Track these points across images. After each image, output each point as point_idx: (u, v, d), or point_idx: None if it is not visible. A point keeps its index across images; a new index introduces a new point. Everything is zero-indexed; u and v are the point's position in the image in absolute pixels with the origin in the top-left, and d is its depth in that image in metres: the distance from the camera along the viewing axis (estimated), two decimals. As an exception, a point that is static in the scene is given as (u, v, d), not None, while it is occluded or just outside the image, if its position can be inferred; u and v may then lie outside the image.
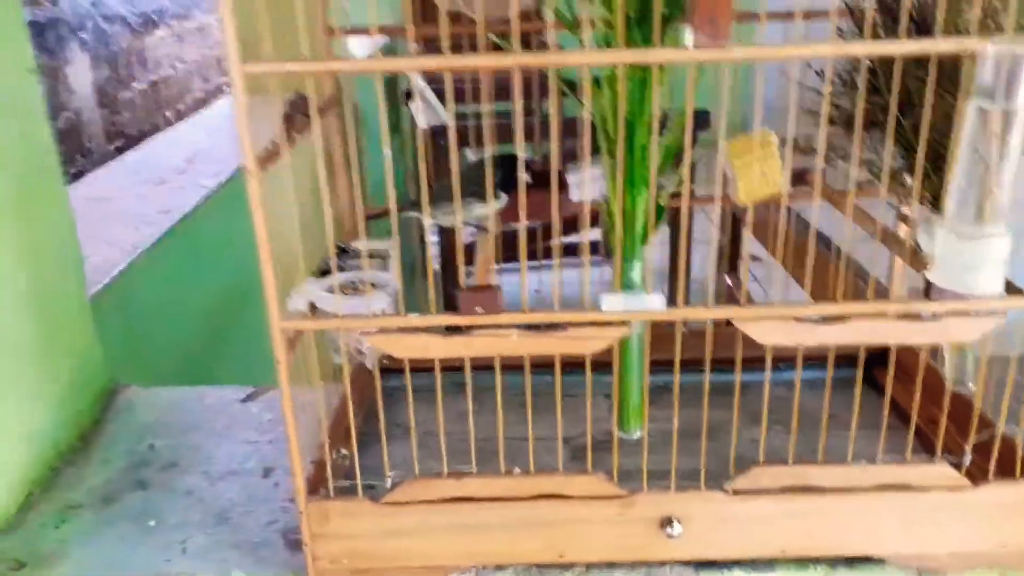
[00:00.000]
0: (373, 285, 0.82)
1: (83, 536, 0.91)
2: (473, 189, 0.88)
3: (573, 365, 1.15)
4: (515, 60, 0.61)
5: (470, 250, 1.27)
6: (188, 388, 1.23)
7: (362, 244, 0.96)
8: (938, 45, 0.62)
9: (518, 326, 0.70)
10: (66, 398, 1.08)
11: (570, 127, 0.72)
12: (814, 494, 0.77)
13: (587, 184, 0.75)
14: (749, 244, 1.69)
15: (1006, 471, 0.79)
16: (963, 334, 0.70)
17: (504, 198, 0.90)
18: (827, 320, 0.70)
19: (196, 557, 0.86)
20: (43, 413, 1.03)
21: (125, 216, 1.84)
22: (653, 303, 0.69)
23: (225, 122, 2.78)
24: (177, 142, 2.53)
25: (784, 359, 0.84)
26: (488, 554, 0.79)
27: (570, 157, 0.96)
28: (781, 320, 0.70)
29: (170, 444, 1.08)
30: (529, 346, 0.70)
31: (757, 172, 0.74)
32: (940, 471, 0.76)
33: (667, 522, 0.77)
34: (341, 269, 0.90)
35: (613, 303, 0.69)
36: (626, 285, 0.72)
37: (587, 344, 0.70)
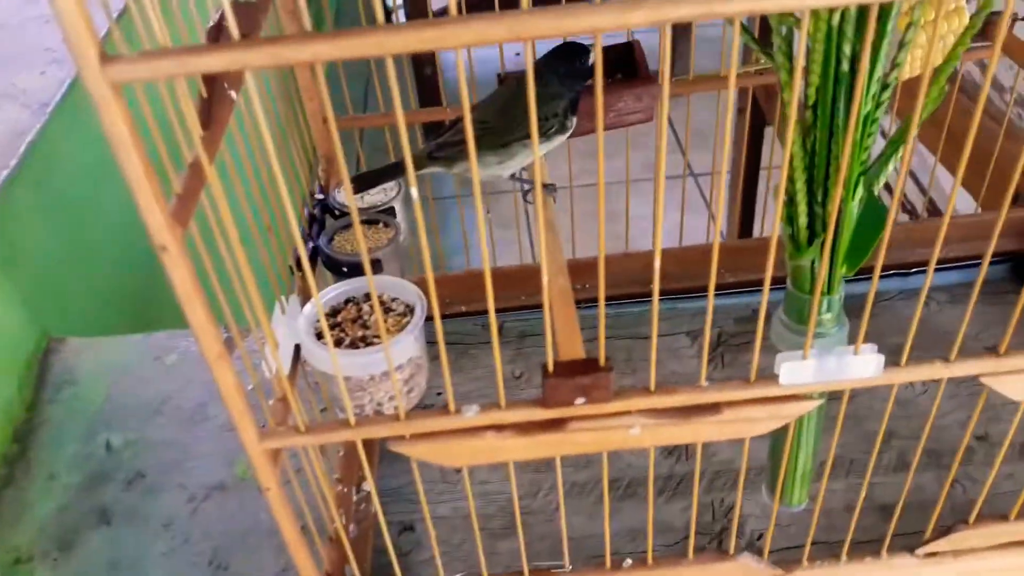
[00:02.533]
0: (383, 306, 0.54)
1: (41, 613, 0.70)
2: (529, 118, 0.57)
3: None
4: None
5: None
6: (140, 338, 0.97)
7: (348, 197, 0.66)
8: None
9: (643, 412, 0.44)
10: (-18, 392, 0.83)
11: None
12: (1035, 547, 0.55)
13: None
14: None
15: None
16: None
17: (573, 123, 0.59)
18: None
19: (194, 650, 0.66)
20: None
21: (22, 52, 1.42)
22: (863, 367, 0.42)
23: None
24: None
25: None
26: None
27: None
28: (1058, 370, 0.44)
29: (130, 439, 0.84)
30: (660, 438, 0.45)
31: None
32: None
33: (832, 596, 0.56)
34: (321, 260, 0.60)
35: (797, 372, 0.42)
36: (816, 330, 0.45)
37: (751, 427, 0.45)
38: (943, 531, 0.54)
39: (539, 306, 0.87)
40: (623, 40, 0.68)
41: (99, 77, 0.30)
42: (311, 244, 0.61)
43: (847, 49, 0.36)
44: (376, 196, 0.64)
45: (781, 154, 1.11)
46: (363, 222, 0.62)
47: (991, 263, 0.90)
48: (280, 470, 0.46)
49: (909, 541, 0.57)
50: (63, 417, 0.87)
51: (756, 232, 1.69)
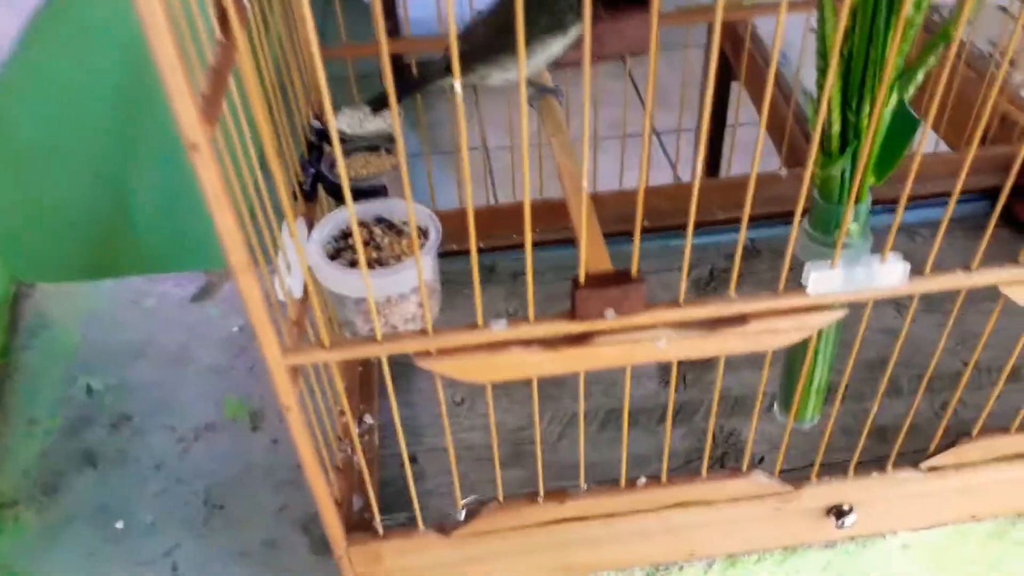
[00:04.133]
0: (394, 229, 0.52)
1: (31, 555, 0.68)
2: (549, 12, 0.55)
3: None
4: None
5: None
6: (112, 283, 0.94)
7: (348, 120, 0.64)
8: None
9: (671, 326, 0.44)
10: (-49, 337, 0.79)
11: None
12: (1030, 459, 0.57)
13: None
14: None
15: None
16: None
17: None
18: None
19: (195, 584, 0.65)
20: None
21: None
22: (890, 275, 0.43)
23: None
24: None
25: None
26: (594, 565, 0.60)
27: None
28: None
29: (112, 383, 0.81)
30: (685, 350, 0.45)
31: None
32: None
33: (837, 511, 0.57)
34: (326, 183, 0.59)
35: (825, 281, 0.42)
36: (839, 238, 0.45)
37: (775, 339, 0.45)
38: (946, 445, 0.56)
39: (535, 244, 0.87)
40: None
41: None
42: (312, 171, 0.59)
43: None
44: (376, 122, 0.63)
45: (748, 110, 1.08)
46: (365, 148, 0.60)
47: (973, 199, 0.92)
48: (298, 391, 0.45)
49: (905, 460, 0.59)
50: (39, 363, 0.84)
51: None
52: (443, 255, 0.88)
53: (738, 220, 0.83)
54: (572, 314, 0.43)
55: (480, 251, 0.89)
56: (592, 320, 0.43)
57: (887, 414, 0.70)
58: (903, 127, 0.42)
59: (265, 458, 0.73)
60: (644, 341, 0.44)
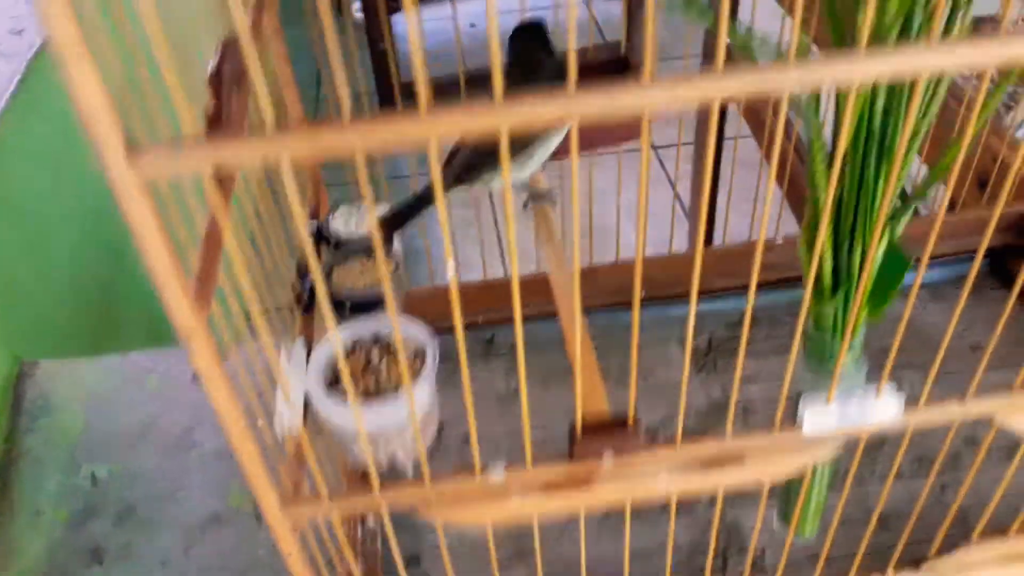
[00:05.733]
0: (391, 350, 0.53)
1: (37, 660, 0.68)
2: None
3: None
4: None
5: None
6: (116, 360, 0.94)
7: (343, 220, 0.64)
8: None
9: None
10: (-45, 429, 0.79)
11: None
12: (1033, 558, 0.57)
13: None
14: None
15: None
16: None
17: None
18: None
19: None
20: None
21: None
22: (884, 410, 0.43)
23: None
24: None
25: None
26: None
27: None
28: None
29: (116, 472, 0.82)
30: (684, 487, 0.45)
31: None
32: None
33: (840, 614, 0.57)
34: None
35: (820, 419, 0.43)
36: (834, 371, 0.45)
37: (773, 472, 0.45)
38: (946, 548, 0.56)
39: (531, 318, 0.87)
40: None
41: (128, 174, 0.28)
42: (309, 281, 0.59)
43: (880, 106, 0.35)
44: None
45: (742, 127, 1.08)
46: (362, 251, 0.61)
47: (972, 260, 0.92)
48: (299, 533, 0.45)
49: (906, 552, 0.59)
50: (42, 448, 0.85)
51: (720, 217, 1.71)
52: (443, 330, 0.88)
53: (735, 288, 0.83)
54: (570, 458, 0.43)
55: (478, 325, 0.89)
56: (591, 464, 0.43)
57: (888, 498, 0.70)
58: (895, 265, 0.42)
59: (269, 553, 0.73)
60: (644, 478, 0.44)
